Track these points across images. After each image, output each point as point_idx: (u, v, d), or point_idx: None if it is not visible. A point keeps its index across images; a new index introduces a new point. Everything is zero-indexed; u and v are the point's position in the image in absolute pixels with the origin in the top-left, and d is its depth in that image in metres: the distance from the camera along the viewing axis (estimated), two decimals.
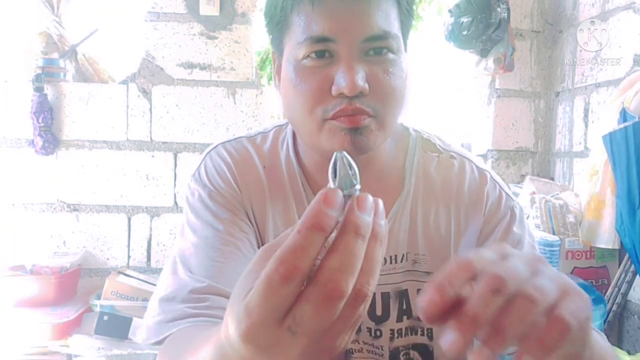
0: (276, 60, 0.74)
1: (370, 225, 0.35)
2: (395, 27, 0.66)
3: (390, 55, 0.66)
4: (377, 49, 0.65)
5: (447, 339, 0.37)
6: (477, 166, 0.80)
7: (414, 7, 0.71)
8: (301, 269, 0.33)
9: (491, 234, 0.75)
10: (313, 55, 0.65)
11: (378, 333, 0.76)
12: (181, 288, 0.67)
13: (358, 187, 0.36)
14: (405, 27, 0.70)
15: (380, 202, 0.37)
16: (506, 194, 0.78)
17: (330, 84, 0.64)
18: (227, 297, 0.36)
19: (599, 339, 0.53)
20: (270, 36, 0.73)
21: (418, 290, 0.75)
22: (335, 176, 0.36)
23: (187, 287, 0.67)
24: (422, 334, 0.76)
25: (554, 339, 0.37)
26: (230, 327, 0.36)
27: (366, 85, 0.63)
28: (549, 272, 0.40)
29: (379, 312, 0.76)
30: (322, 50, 0.64)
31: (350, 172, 0.36)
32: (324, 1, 0.64)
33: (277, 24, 0.69)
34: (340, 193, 0.35)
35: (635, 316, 1.73)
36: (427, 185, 0.77)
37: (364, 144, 0.66)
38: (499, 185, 0.78)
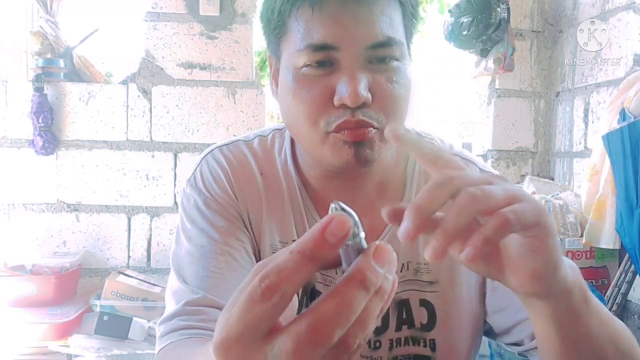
0: (273, 65, 0.71)
1: (380, 280, 0.32)
2: (399, 33, 0.63)
3: (395, 63, 0.63)
4: (380, 56, 0.62)
5: (428, 248, 0.39)
6: (480, 169, 0.77)
7: (419, 11, 0.67)
8: (282, 289, 0.31)
9: None
10: (314, 63, 0.62)
11: (377, 344, 0.74)
12: (176, 302, 0.66)
13: (363, 235, 0.32)
14: (410, 32, 0.67)
15: (395, 255, 0.33)
16: None
17: (332, 94, 0.61)
18: (222, 309, 0.35)
19: (603, 308, 0.53)
20: (267, 40, 0.70)
21: (420, 300, 0.73)
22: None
23: (182, 300, 0.66)
24: (425, 345, 0.74)
25: (492, 230, 0.39)
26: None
27: (369, 95, 0.61)
28: (513, 188, 0.43)
29: (378, 323, 0.74)
30: (323, 59, 0.61)
31: (352, 221, 0.32)
32: (324, 6, 0.60)
33: (274, 29, 0.66)
34: (350, 223, 0.31)
35: (635, 316, 1.73)
36: None
37: (369, 157, 0.63)
38: None
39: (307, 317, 0.31)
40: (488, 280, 0.74)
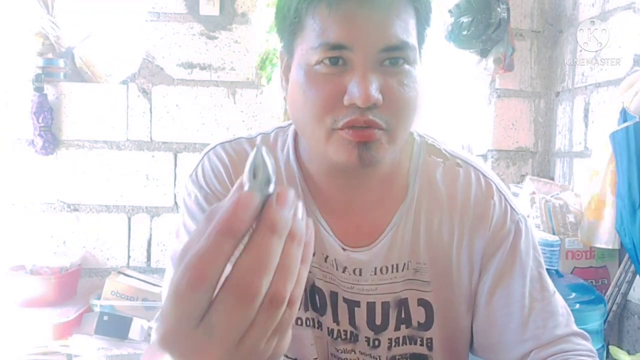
0: (284, 61, 0.71)
1: (288, 222, 0.33)
2: (412, 38, 0.64)
3: (406, 67, 0.64)
4: (393, 59, 0.63)
5: None
6: (483, 175, 0.77)
7: (432, 17, 0.68)
8: (209, 276, 0.32)
9: (498, 250, 0.73)
10: (327, 61, 0.62)
11: (376, 343, 0.75)
12: None
13: (273, 186, 0.34)
14: (422, 37, 0.68)
15: (300, 202, 0.35)
16: (511, 207, 0.75)
17: (342, 93, 0.62)
18: None
19: None
20: (281, 36, 0.70)
21: (418, 299, 0.74)
22: (253, 175, 0.34)
23: None
24: (422, 344, 0.75)
25: None
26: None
27: (380, 97, 0.61)
28: None
29: (378, 321, 0.74)
30: (337, 58, 0.62)
31: (268, 170, 0.34)
32: (341, 6, 0.61)
33: (290, 25, 0.66)
34: (256, 196, 0.33)
35: (635, 316, 1.73)
36: (431, 192, 0.75)
37: (372, 158, 0.63)
38: (505, 198, 0.76)
39: (230, 279, 0.32)
40: (482, 293, 0.74)
